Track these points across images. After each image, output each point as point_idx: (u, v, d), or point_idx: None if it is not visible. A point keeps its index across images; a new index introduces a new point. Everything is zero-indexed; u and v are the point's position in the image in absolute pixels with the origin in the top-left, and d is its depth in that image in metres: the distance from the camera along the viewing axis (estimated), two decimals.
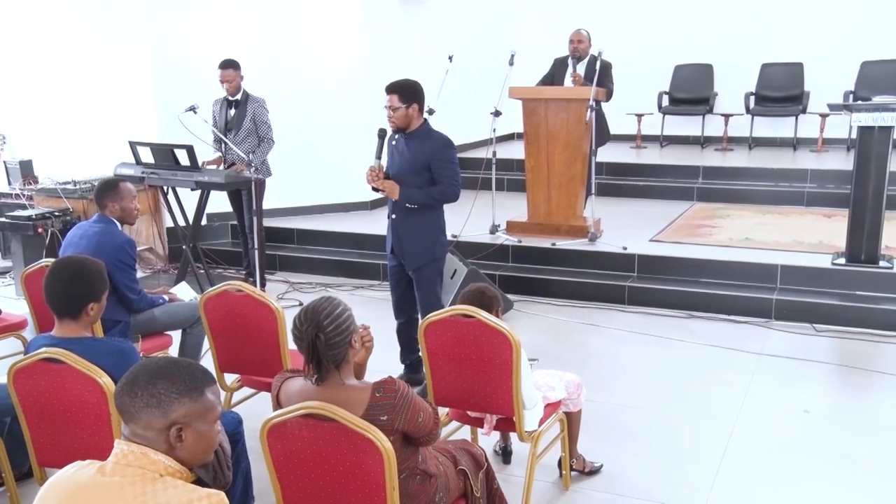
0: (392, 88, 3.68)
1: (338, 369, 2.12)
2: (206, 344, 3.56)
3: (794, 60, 8.73)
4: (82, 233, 3.60)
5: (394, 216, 3.85)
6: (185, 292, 4.10)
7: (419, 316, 3.79)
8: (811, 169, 7.40)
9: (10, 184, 6.15)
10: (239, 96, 5.65)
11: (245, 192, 5.64)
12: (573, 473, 3.18)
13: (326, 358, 2.09)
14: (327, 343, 2.08)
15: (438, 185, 3.74)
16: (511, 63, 6.02)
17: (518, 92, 6.01)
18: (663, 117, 9.13)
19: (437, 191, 3.74)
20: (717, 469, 3.26)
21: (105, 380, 2.31)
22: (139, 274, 4.42)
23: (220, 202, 6.07)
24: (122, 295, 3.52)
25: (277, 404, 2.21)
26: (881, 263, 5.05)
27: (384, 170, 3.82)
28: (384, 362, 2.28)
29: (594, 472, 3.23)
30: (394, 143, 3.83)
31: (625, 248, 5.63)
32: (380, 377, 2.17)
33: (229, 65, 5.57)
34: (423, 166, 3.73)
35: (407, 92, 3.68)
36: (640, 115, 9.06)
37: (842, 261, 5.17)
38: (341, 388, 2.11)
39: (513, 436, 3.18)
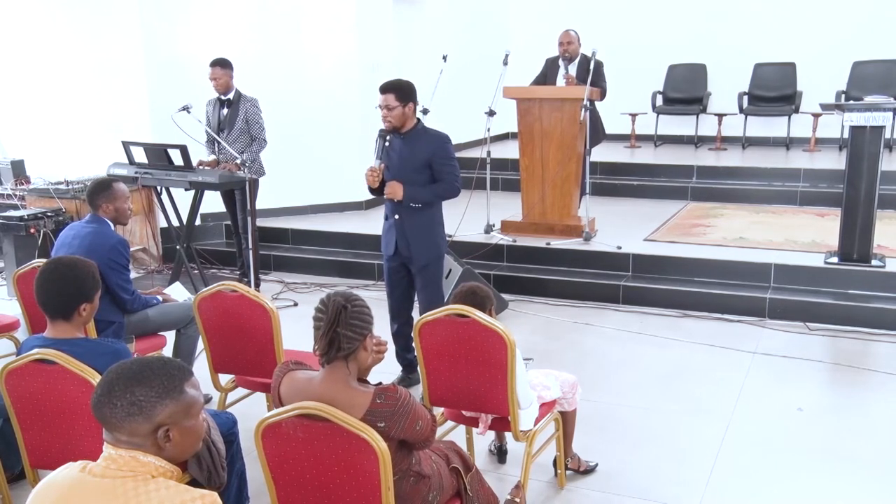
0: (387, 88, 3.69)
1: (345, 361, 2.11)
2: (200, 344, 3.55)
3: (787, 60, 8.77)
4: (75, 233, 3.59)
5: (397, 216, 3.85)
6: (179, 293, 4.09)
7: (419, 314, 3.79)
8: (804, 168, 7.43)
9: (1, 184, 6.12)
10: (231, 96, 5.63)
11: (238, 192, 5.62)
12: (568, 472, 3.19)
13: (341, 337, 2.08)
14: (349, 319, 2.08)
15: (441, 183, 3.78)
16: (505, 63, 6.02)
17: (512, 91, 6.01)
18: (657, 117, 9.16)
19: (441, 188, 3.79)
20: (712, 467, 3.27)
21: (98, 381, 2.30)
22: (133, 274, 4.41)
23: (213, 202, 6.05)
24: (116, 295, 3.51)
25: (278, 397, 2.20)
26: (873, 262, 5.07)
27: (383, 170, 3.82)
28: (382, 361, 2.32)
29: (589, 471, 3.23)
30: (387, 143, 3.83)
31: (619, 248, 5.64)
32: (379, 376, 2.16)
33: (217, 63, 5.55)
34: (424, 164, 3.75)
35: (402, 91, 3.69)
36: (634, 115, 9.09)
37: (834, 260, 5.19)
38: (345, 387, 2.10)
39: (508, 435, 3.18)
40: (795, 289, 5.13)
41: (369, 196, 4.03)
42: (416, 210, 3.82)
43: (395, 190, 3.73)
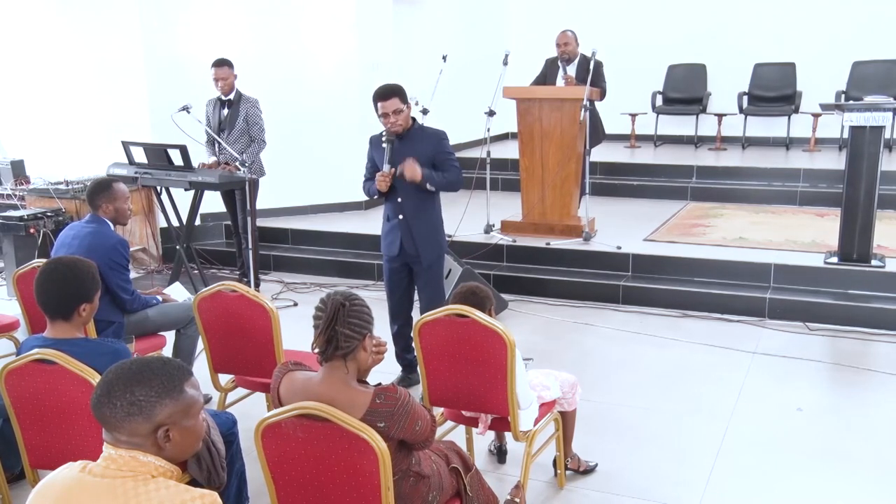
0: (390, 93, 3.69)
1: (344, 360, 2.11)
2: (200, 344, 3.55)
3: (787, 60, 8.78)
4: (75, 233, 3.59)
5: (401, 216, 3.86)
6: (179, 293, 4.09)
7: (420, 314, 3.80)
8: (804, 168, 7.43)
9: (1, 184, 6.12)
10: (232, 96, 5.63)
11: (238, 192, 5.61)
12: (568, 472, 3.19)
13: (339, 335, 2.08)
14: (347, 317, 2.08)
15: (448, 172, 3.84)
16: (505, 63, 6.02)
17: (512, 92, 6.02)
18: (657, 117, 9.16)
19: (450, 176, 3.84)
20: (712, 467, 3.27)
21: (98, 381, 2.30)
22: (132, 274, 4.41)
23: (213, 202, 6.05)
24: (116, 295, 3.51)
25: (277, 397, 2.20)
26: (873, 262, 5.07)
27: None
28: (382, 362, 2.33)
29: (589, 471, 3.23)
30: (384, 146, 3.82)
31: (619, 248, 5.64)
32: (379, 376, 2.16)
33: (223, 63, 5.56)
34: (428, 161, 3.79)
35: (402, 93, 3.74)
36: (633, 115, 9.09)
37: (834, 260, 5.19)
38: (345, 387, 2.10)
39: (508, 435, 3.18)
40: (795, 289, 5.13)
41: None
42: (421, 210, 3.85)
43: (413, 167, 3.71)
